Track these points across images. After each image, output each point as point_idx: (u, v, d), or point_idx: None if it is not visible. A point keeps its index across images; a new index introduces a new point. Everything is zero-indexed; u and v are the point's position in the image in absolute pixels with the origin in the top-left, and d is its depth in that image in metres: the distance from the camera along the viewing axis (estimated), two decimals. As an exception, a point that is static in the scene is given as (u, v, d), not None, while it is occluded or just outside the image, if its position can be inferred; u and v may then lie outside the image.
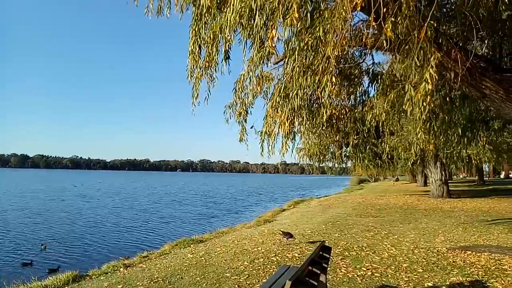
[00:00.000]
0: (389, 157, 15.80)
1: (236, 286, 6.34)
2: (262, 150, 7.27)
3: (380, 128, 9.51)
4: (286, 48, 5.79)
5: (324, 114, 6.37)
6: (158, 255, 10.08)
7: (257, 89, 7.35)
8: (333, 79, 5.04)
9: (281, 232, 9.99)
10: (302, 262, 7.48)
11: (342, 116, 9.15)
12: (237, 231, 13.39)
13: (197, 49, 6.46)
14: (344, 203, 22.82)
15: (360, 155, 14.43)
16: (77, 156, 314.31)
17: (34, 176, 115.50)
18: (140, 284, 6.76)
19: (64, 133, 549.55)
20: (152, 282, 6.81)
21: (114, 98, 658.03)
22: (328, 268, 5.10)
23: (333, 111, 8.11)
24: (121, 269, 8.74)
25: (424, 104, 4.61)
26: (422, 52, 4.54)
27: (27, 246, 14.70)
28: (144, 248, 13.67)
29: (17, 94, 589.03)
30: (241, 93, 7.16)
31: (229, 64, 6.51)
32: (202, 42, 6.33)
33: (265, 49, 5.48)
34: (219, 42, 6.12)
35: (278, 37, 5.06)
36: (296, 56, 5.20)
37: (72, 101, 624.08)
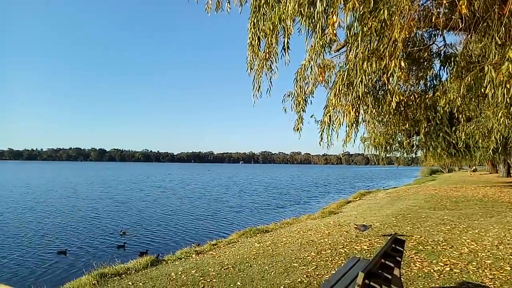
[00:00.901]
0: (465, 145, 14.59)
1: (305, 275, 6.39)
2: (321, 140, 7.16)
3: (455, 114, 8.80)
4: (348, 34, 5.59)
5: (392, 101, 6.07)
6: (226, 243, 10.51)
7: (318, 78, 7.24)
8: (402, 63, 4.78)
9: (355, 226, 9.82)
10: (371, 255, 7.30)
11: (411, 103, 8.62)
12: (302, 222, 13.41)
13: (256, 41, 6.50)
14: (415, 195, 21.60)
15: (432, 143, 13.50)
16: (148, 150, 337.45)
17: (113, 169, 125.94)
18: (212, 270, 7.11)
19: (135, 128, 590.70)
20: (222, 269, 7.12)
21: (184, 97, 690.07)
22: (402, 262, 4.90)
23: (401, 98, 7.69)
24: (193, 256, 9.29)
25: (508, 86, 4.19)
26: (504, 29, 4.11)
27: (117, 230, 16.26)
28: (213, 236, 14.36)
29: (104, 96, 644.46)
30: (302, 82, 7.11)
31: (288, 54, 6.51)
32: (261, 33, 6.36)
33: (326, 37, 5.36)
34: (278, 32, 6.11)
35: (339, 23, 4.91)
36: (359, 41, 5.02)
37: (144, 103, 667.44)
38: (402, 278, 5.17)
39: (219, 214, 21.77)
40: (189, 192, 37.71)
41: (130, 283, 7.18)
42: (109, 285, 7.32)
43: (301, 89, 7.30)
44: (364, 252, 7.95)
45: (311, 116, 7.57)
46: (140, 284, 6.96)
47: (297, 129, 7.55)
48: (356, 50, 5.24)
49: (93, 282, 7.51)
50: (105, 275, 7.89)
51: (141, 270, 8.34)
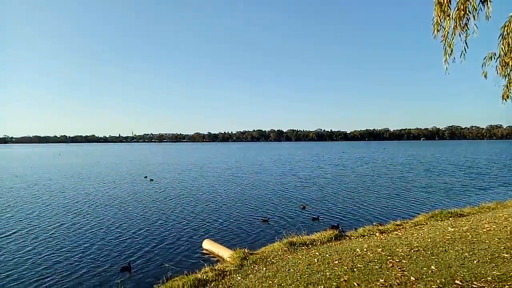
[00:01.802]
0: None
1: (520, 270, 5.36)
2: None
3: None
4: None
5: None
6: (412, 224, 9.84)
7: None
8: None
9: None
10: None
11: None
12: (509, 207, 11.21)
13: (446, -2, 5.66)
14: None
15: None
16: (321, 129, 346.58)
17: (290, 148, 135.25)
18: (400, 250, 6.80)
19: (309, 109, 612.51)
20: (412, 250, 6.72)
21: (359, 75, 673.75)
22: None
23: None
24: (377, 234, 9.09)
25: None
26: None
27: (300, 203, 17.66)
28: (396, 216, 13.71)
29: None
30: (510, 39, 5.82)
31: (488, 8, 5.42)
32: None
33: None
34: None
35: None
36: None
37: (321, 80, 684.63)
38: None
39: (402, 194, 20.53)
40: (368, 170, 36.91)
41: (317, 253, 7.63)
42: (298, 253, 7.99)
43: (511, 47, 6.01)
44: None
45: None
46: (327, 255, 7.31)
47: (506, 97, 6.29)
48: None
49: (284, 248, 8.35)
50: (294, 243, 8.65)
51: (326, 243, 8.75)
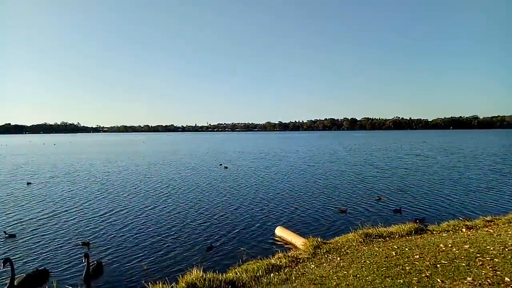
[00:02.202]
0: None
1: None
2: None
3: None
4: None
5: None
6: (506, 221, 8.91)
7: None
8: None
9: None
10: None
11: None
12: None
13: None
14: None
15: None
16: (399, 117, 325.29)
17: (365, 137, 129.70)
18: (491, 248, 6.20)
19: (386, 96, 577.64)
20: (506, 249, 6.08)
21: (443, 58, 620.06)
22: None
23: None
24: (463, 230, 8.40)
25: None
26: None
27: (376, 195, 17.01)
28: (486, 212, 12.47)
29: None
30: None
31: None
32: None
33: None
34: None
35: None
36: None
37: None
38: None
39: (495, 187, 18.46)
40: (453, 161, 33.82)
41: (395, 246, 7.30)
42: (374, 245, 7.73)
43: None
44: None
45: None
46: (406, 249, 6.95)
47: None
48: None
49: (359, 239, 8.14)
50: (370, 235, 8.38)
51: (405, 236, 8.33)
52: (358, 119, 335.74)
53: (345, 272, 5.93)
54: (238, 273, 6.49)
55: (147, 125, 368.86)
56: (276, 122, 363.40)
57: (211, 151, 54.18)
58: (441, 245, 6.94)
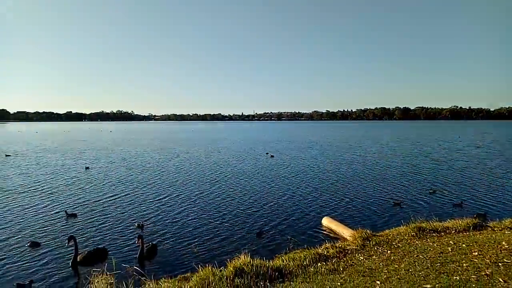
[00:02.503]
0: None
1: None
2: None
3: None
4: None
5: None
6: None
7: None
8: None
9: None
10: None
11: None
12: None
13: None
14: None
15: None
16: (457, 106, 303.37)
17: (419, 127, 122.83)
18: None
19: (442, 83, 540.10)
20: None
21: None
22: None
23: None
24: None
25: None
26: None
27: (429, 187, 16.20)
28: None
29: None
30: None
31: None
32: None
33: None
34: None
35: None
36: None
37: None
38: None
39: None
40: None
41: (451, 242, 6.93)
42: (427, 239, 7.39)
43: None
44: None
45: None
46: (463, 245, 6.57)
47: None
48: None
49: (412, 233, 7.81)
50: (423, 229, 8.01)
51: (462, 231, 7.87)
52: (412, 108, 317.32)
53: (396, 266, 5.74)
54: (284, 261, 6.53)
55: (195, 114, 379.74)
56: (323, 111, 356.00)
57: (257, 140, 54.61)
58: (504, 243, 6.46)
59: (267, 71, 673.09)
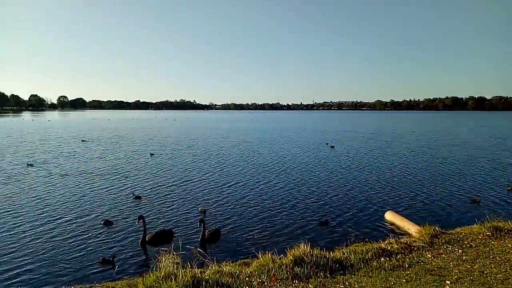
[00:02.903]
0: None
1: None
2: None
3: None
4: None
5: None
6: None
7: None
8: None
9: None
10: None
11: None
12: None
13: None
14: None
15: None
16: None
17: (499, 118, 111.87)
18: None
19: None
20: None
21: None
22: None
23: None
24: None
25: None
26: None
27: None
28: None
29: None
30: None
31: None
32: None
33: None
34: None
35: None
36: None
37: None
38: None
39: None
40: None
41: (534, 245, 6.28)
42: (505, 240, 6.80)
43: None
44: None
45: None
46: (550, 249, 5.92)
47: None
48: None
49: (487, 233, 7.22)
50: (500, 229, 7.37)
51: (548, 234, 7.08)
52: (488, 98, 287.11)
53: (469, 266, 5.36)
54: (345, 253, 6.42)
55: (254, 103, 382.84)
56: (388, 101, 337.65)
57: (316, 130, 53.79)
58: None
59: (326, 62, 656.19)
